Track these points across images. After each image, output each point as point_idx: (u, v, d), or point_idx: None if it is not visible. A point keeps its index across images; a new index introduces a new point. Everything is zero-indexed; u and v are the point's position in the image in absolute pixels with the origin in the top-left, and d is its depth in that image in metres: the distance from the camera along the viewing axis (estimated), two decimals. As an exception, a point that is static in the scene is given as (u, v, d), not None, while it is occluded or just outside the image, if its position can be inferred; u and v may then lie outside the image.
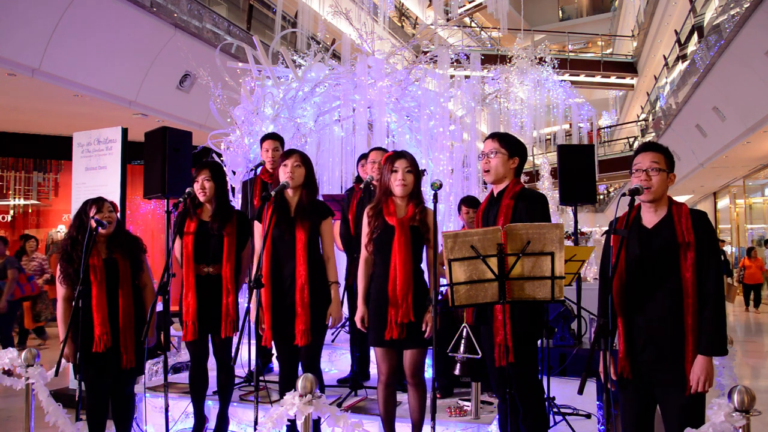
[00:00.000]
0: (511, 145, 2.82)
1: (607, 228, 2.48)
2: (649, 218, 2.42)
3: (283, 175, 3.14)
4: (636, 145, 19.48)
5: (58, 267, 3.33)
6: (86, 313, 3.21)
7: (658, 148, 2.43)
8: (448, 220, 5.41)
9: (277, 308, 3.09)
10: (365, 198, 3.93)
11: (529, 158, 15.50)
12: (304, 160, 3.18)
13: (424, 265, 3.03)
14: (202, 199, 3.44)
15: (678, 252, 2.29)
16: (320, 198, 3.42)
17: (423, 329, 2.89)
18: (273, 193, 3.09)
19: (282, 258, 3.11)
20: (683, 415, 2.24)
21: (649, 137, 17.94)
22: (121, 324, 3.26)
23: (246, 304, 3.39)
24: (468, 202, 4.30)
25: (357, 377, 3.94)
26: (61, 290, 3.32)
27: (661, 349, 2.31)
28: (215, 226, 3.41)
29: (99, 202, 3.35)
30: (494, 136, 2.86)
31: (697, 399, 2.26)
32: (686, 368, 2.26)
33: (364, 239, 3.05)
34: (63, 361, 3.24)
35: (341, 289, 3.56)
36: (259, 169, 4.38)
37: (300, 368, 3.18)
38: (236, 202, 5.35)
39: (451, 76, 6.39)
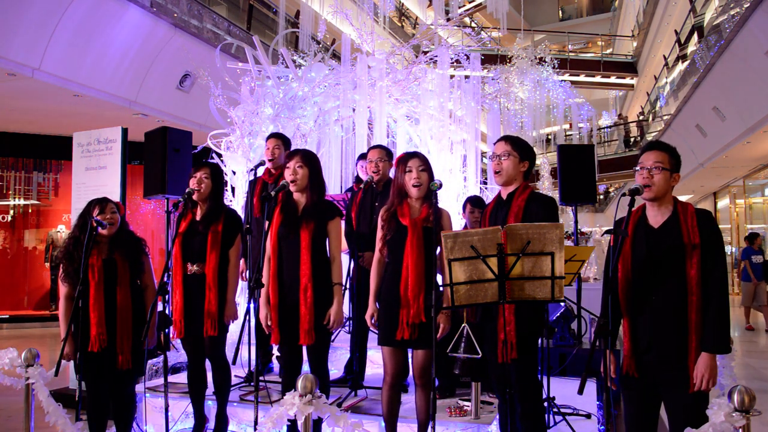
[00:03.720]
0: (522, 149, 2.86)
1: (607, 228, 2.49)
2: (655, 218, 2.42)
3: (286, 176, 3.15)
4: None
5: (61, 266, 3.35)
6: (85, 312, 3.22)
7: (663, 148, 2.44)
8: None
9: (281, 308, 3.09)
10: (367, 197, 3.93)
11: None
12: (307, 161, 3.16)
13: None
14: (196, 197, 3.44)
15: (684, 251, 2.30)
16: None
17: (436, 330, 2.88)
18: (273, 193, 3.10)
19: (286, 258, 3.11)
20: (688, 414, 2.24)
21: (649, 137, 17.94)
22: (118, 324, 3.27)
23: (246, 304, 3.39)
24: (474, 201, 4.32)
25: (357, 377, 3.93)
26: (62, 289, 3.35)
27: (666, 348, 2.32)
28: (202, 225, 3.42)
29: (102, 203, 3.37)
30: (507, 138, 2.89)
31: (702, 398, 2.26)
32: (690, 367, 2.27)
33: (378, 243, 3.07)
34: (63, 360, 3.25)
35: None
36: (260, 169, 4.39)
37: (304, 368, 3.19)
38: (237, 201, 5.36)
39: (451, 76, 6.39)
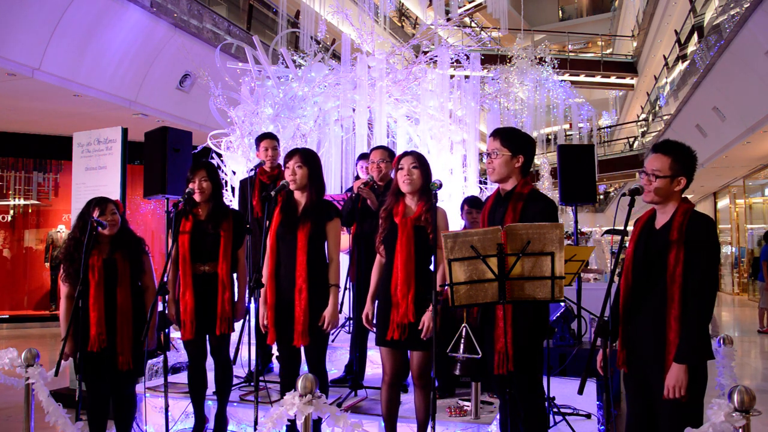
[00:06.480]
0: (514, 143, 2.68)
1: (607, 228, 2.49)
2: (659, 219, 2.40)
3: (286, 176, 3.15)
4: (636, 145, 19.50)
5: (62, 266, 3.35)
6: (85, 312, 3.22)
7: (666, 151, 2.34)
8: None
9: (278, 308, 3.09)
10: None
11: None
12: (307, 160, 3.15)
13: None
14: (199, 199, 3.43)
15: (669, 251, 2.26)
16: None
17: (419, 328, 2.88)
18: (273, 193, 3.10)
19: (283, 258, 3.11)
20: (674, 416, 2.22)
21: (649, 137, 17.95)
22: (118, 325, 3.26)
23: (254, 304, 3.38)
24: (471, 202, 4.32)
25: (356, 377, 3.93)
26: (63, 288, 3.35)
27: (651, 351, 2.30)
28: (211, 225, 3.41)
29: (102, 203, 3.36)
30: (496, 134, 2.73)
31: (691, 402, 2.21)
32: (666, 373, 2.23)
33: (376, 242, 3.07)
34: (63, 360, 3.25)
35: (341, 291, 3.55)
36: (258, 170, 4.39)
37: (302, 368, 3.19)
38: (236, 202, 5.36)
39: (451, 76, 6.40)
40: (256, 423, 2.84)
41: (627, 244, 2.47)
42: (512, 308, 2.53)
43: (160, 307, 3.44)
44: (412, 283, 2.88)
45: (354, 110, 5.62)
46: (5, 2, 6.48)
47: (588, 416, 3.83)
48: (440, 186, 2.82)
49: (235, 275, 3.55)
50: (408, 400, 3.38)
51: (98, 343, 3.21)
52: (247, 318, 3.27)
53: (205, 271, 3.40)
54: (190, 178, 3.45)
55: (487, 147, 2.78)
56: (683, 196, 2.38)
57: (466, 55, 6.32)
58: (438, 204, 2.93)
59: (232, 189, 5.54)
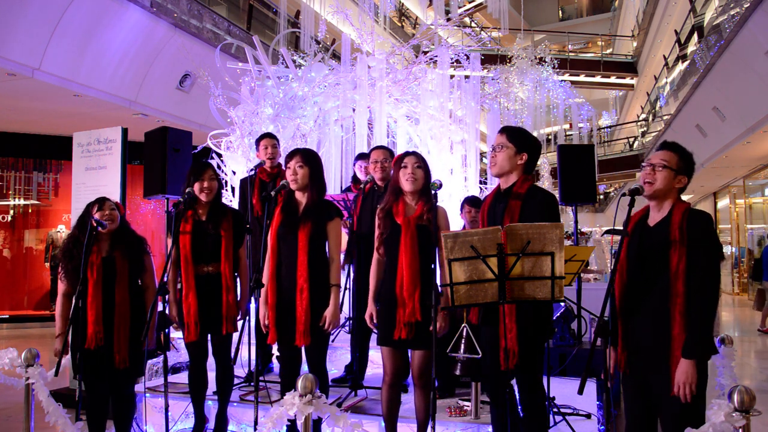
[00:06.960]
0: (520, 140, 2.73)
1: (607, 228, 2.49)
2: (653, 217, 2.41)
3: (287, 176, 3.15)
4: (636, 145, 19.50)
5: (60, 264, 3.36)
6: (83, 310, 3.23)
7: (674, 148, 2.39)
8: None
9: (279, 307, 3.10)
10: (368, 199, 3.93)
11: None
12: (308, 160, 3.15)
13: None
14: (206, 199, 3.43)
15: (669, 249, 2.27)
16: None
17: (431, 329, 2.87)
18: (273, 193, 3.10)
19: (285, 258, 3.11)
20: (678, 417, 2.22)
21: (649, 137, 17.95)
22: (115, 323, 3.27)
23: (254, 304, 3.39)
24: (471, 201, 4.31)
25: (357, 377, 3.93)
26: (61, 286, 3.37)
27: (652, 350, 2.30)
28: (211, 224, 3.41)
29: (101, 202, 3.38)
30: (503, 130, 2.79)
31: (693, 402, 2.21)
32: (673, 370, 2.23)
33: (375, 242, 3.06)
34: (63, 360, 3.26)
35: (342, 291, 3.55)
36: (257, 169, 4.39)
37: (302, 368, 3.19)
38: (236, 201, 5.36)
39: (451, 76, 6.40)
40: (256, 423, 2.84)
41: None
42: (516, 307, 2.53)
43: (160, 307, 3.44)
44: (418, 282, 2.89)
45: (354, 110, 5.62)
46: (5, 2, 6.48)
47: (588, 416, 3.83)
48: (440, 186, 2.83)
49: (236, 274, 3.55)
50: (408, 400, 3.38)
51: (95, 341, 3.22)
52: (247, 318, 3.27)
53: (209, 271, 3.39)
54: (197, 178, 3.42)
55: (494, 140, 2.81)
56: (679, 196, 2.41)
57: (466, 55, 6.32)
58: (438, 204, 2.94)
59: (232, 189, 5.54)
